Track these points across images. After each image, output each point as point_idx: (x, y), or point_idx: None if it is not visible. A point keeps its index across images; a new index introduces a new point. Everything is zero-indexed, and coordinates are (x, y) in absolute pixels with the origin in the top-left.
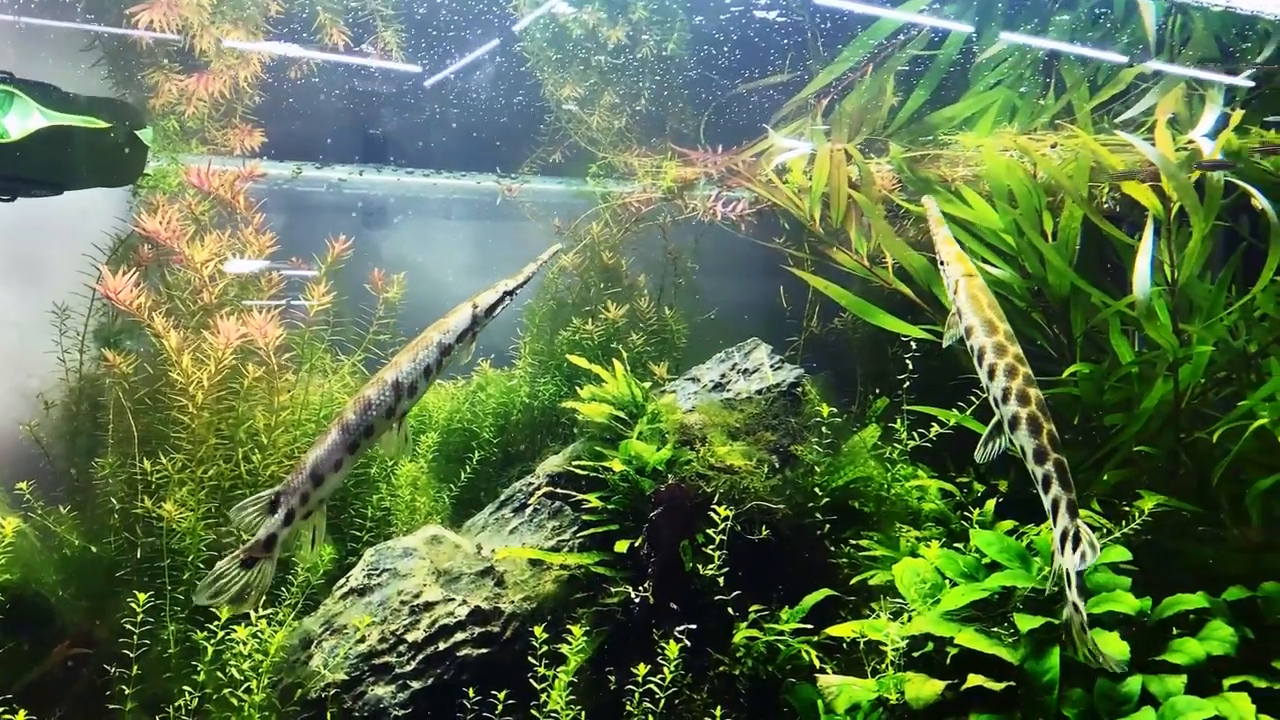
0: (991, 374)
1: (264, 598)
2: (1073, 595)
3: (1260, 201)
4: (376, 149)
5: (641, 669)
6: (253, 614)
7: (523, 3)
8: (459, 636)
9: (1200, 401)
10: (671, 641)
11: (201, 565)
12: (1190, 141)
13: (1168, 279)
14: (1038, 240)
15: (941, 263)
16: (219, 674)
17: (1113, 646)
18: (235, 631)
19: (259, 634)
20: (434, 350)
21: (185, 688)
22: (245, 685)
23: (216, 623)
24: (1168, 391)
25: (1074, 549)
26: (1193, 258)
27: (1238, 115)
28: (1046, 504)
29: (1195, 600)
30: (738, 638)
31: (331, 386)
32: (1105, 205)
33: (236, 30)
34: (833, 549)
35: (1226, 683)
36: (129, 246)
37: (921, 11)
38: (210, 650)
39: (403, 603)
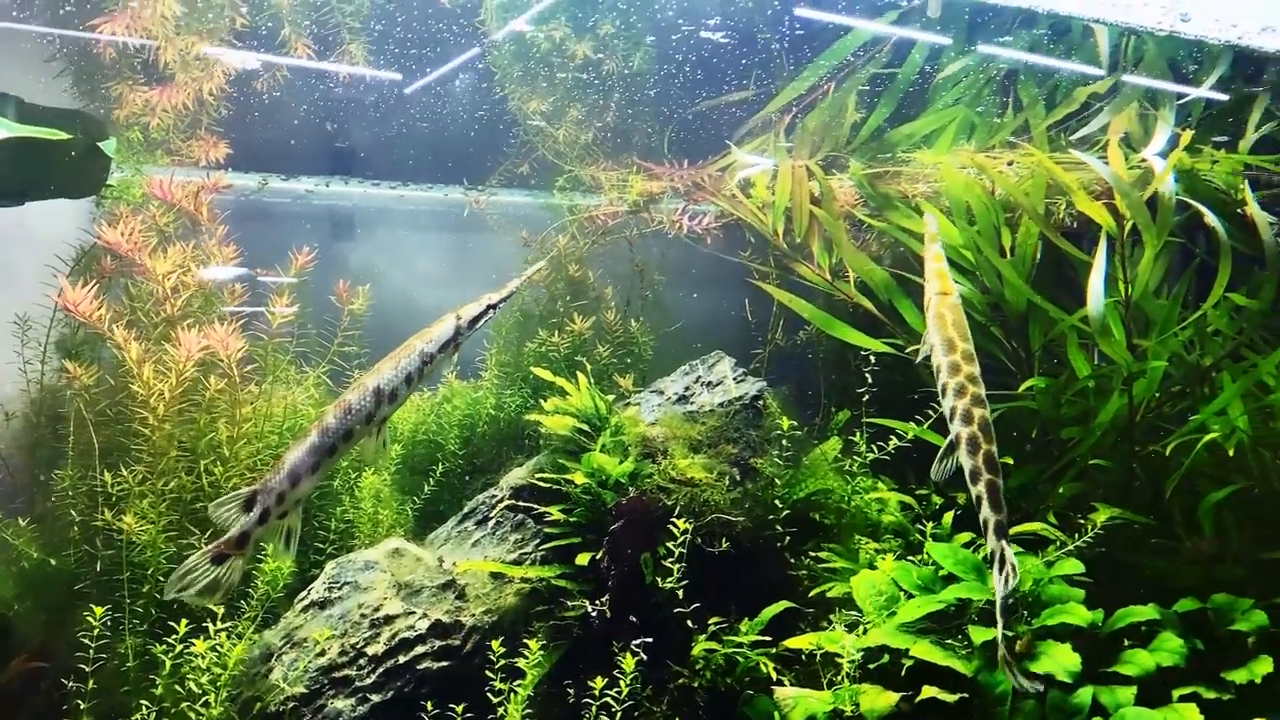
0: (944, 391)
1: (229, 596)
2: (999, 617)
3: (1211, 219)
4: (344, 161)
5: (599, 682)
6: (211, 627)
7: (490, 16)
8: (419, 650)
9: (1155, 415)
10: (628, 655)
11: (162, 579)
12: (1143, 160)
13: (1123, 295)
14: (994, 257)
15: (926, 279)
16: (177, 687)
17: (1064, 658)
18: (194, 645)
19: (218, 647)
20: (416, 358)
21: (143, 701)
22: (203, 699)
23: (175, 635)
24: (1123, 405)
25: (999, 570)
26: (1146, 274)
27: (1188, 135)
28: (980, 522)
29: (1147, 612)
30: (697, 650)
31: (295, 398)
32: (1063, 222)
33: (201, 43)
34: (792, 561)
35: (1176, 693)
36: (92, 258)
37: (893, 23)
38: (169, 663)
39: (363, 616)
